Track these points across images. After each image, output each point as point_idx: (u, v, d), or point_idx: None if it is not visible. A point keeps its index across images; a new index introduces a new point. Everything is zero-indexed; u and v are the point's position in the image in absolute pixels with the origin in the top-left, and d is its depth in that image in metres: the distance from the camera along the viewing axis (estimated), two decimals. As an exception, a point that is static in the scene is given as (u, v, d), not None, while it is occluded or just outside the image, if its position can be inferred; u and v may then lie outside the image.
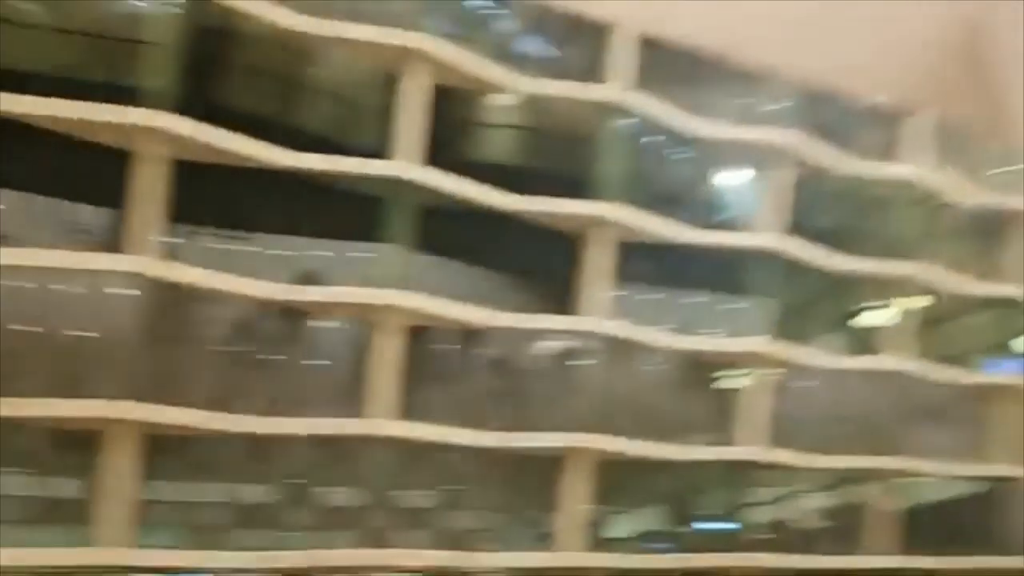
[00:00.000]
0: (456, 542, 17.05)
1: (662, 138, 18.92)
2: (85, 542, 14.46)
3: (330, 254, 16.56)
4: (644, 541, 19.00)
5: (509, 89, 17.31)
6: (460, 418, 16.25)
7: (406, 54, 15.81)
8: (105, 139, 14.16)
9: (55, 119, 13.90)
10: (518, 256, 17.46)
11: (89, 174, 14.88)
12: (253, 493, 16.72)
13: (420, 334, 16.19)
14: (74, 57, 15.28)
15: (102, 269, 14.43)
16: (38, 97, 13.74)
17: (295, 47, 16.02)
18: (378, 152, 16.02)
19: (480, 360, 17.28)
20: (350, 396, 16.03)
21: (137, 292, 14.38)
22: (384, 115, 16.33)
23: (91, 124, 13.92)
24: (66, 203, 15.40)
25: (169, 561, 15.02)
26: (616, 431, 16.80)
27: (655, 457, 17.74)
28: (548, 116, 18.01)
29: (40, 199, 15.31)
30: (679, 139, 19.05)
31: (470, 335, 17.07)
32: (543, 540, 17.66)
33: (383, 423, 15.45)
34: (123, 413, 14.11)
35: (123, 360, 14.35)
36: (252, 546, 15.76)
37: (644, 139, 18.58)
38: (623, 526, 18.95)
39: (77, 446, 15.10)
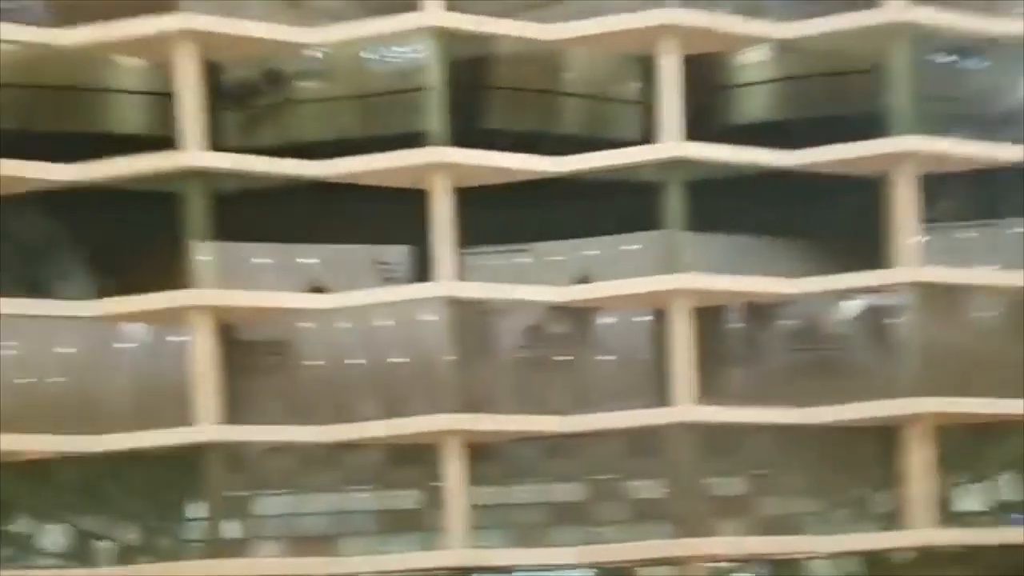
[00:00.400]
0: (779, 527, 16.83)
1: (952, 57, 17.48)
2: (430, 547, 16.05)
3: (603, 251, 17.27)
4: (1002, 513, 17.45)
5: (770, 39, 16.62)
6: (766, 396, 15.93)
7: (659, 33, 15.58)
8: (402, 182, 15.64)
9: (361, 174, 15.67)
10: (794, 220, 16.81)
11: (386, 217, 16.53)
12: (565, 491, 17.97)
13: (711, 315, 16.32)
14: (357, 118, 17.23)
15: (412, 299, 16.02)
16: (352, 158, 15.58)
17: (544, 56, 16.73)
18: (642, 139, 16.25)
19: (780, 334, 17.00)
20: (646, 387, 16.58)
21: (442, 315, 15.79)
22: (638, 101, 16.66)
23: (392, 172, 15.54)
24: (371, 247, 17.29)
25: (503, 560, 16.19)
26: (952, 391, 15.36)
27: (1006, 415, 15.82)
28: (812, 60, 17.19)
29: (349, 247, 17.35)
30: (973, 49, 17.43)
31: (761, 310, 16.79)
32: (879, 519, 16.85)
33: (689, 409, 15.50)
34: (453, 425, 15.44)
35: (441, 378, 15.77)
36: (571, 542, 16.54)
37: (933, 57, 17.13)
38: (975, 498, 17.58)
39: (410, 461, 16.81)
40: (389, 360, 16.59)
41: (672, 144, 15.63)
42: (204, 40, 15.27)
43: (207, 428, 15.12)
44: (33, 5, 16.32)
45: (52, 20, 15.83)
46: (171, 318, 15.54)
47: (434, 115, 15.58)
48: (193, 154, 15.20)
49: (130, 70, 17.16)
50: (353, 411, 16.06)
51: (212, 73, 16.03)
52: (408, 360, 16.47)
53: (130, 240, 16.48)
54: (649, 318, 17.00)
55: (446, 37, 15.57)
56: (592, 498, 17.87)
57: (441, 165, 15.47)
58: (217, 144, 15.72)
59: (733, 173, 15.83)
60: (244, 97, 17.14)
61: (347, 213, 16.81)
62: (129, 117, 17.30)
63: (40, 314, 15.42)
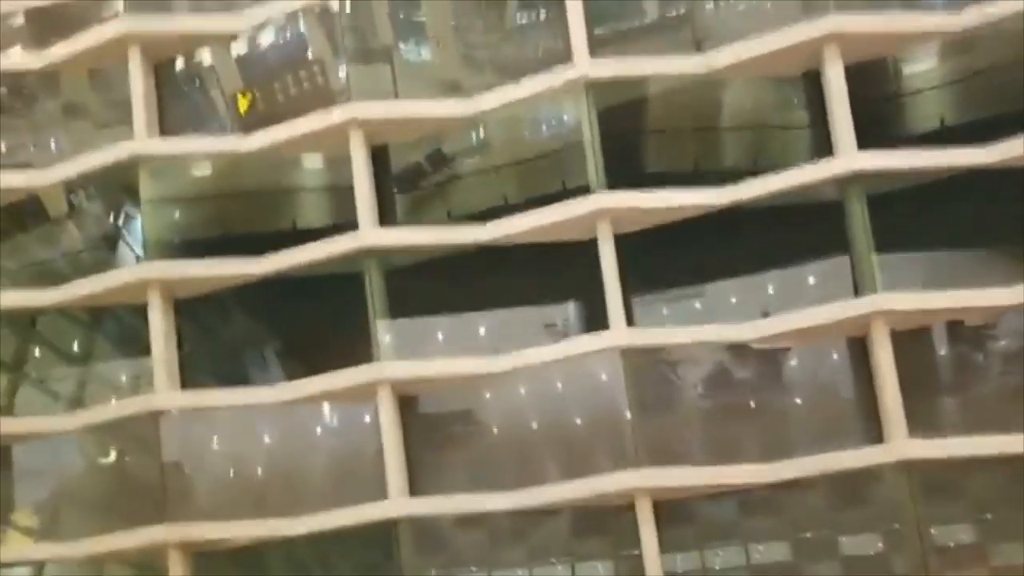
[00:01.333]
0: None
1: None
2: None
3: (782, 286, 15.98)
4: None
5: (939, 36, 15.47)
6: (982, 427, 14.15)
7: (822, 43, 14.80)
8: (567, 236, 15.36)
9: (526, 233, 15.73)
10: (987, 225, 15.21)
11: (554, 276, 16.28)
12: (768, 552, 16.42)
13: (910, 341, 14.92)
14: (517, 184, 17.27)
15: (589, 351, 15.47)
16: (516, 216, 15.70)
17: (696, 89, 16.22)
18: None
19: (991, 354, 15.26)
20: (845, 430, 15.24)
21: (619, 367, 15.18)
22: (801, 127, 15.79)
23: (556, 227, 15.48)
24: (540, 308, 16.99)
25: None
26: None
27: None
28: (988, 52, 15.68)
29: (518, 311, 17.10)
30: None
31: (965, 331, 15.19)
32: None
33: (904, 445, 13.93)
34: (642, 482, 14.69)
35: (625, 433, 15.06)
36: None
37: None
38: None
39: (600, 530, 15.96)
40: (570, 421, 16.05)
41: (848, 157, 14.66)
42: (371, 127, 15.98)
43: (397, 502, 14.99)
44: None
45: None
46: (357, 395, 15.68)
47: (592, 165, 15.44)
48: (367, 233, 15.59)
49: (311, 169, 18.06)
50: (538, 476, 15.56)
51: (379, 162, 16.62)
52: (590, 418, 15.91)
53: (317, 327, 16.89)
54: (833, 355, 15.69)
55: (598, 87, 15.44)
56: (799, 558, 16.28)
57: (603, 211, 15.26)
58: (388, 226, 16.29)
59: (915, 182, 14.68)
60: (411, 181, 17.55)
61: (515, 277, 16.72)
62: (312, 212, 18.05)
63: (236, 404, 15.91)
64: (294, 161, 17.54)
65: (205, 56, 17.19)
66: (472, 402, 16.42)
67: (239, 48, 16.93)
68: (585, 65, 15.45)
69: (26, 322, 16.95)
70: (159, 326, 15.84)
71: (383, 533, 15.08)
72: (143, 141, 16.46)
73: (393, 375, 15.46)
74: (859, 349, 14.92)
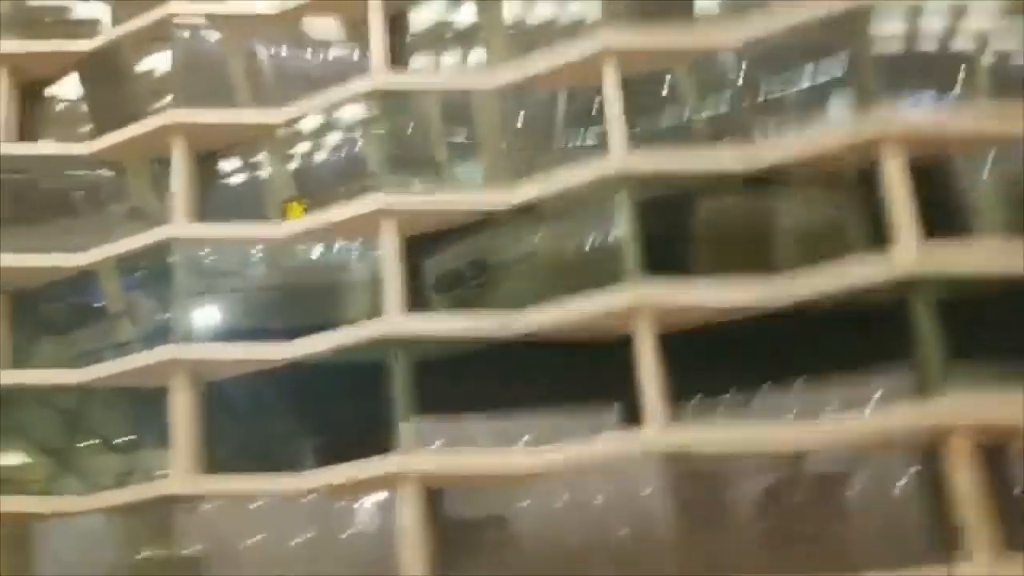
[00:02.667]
0: None
1: None
2: None
3: (841, 394, 14.34)
4: None
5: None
6: None
7: (879, 141, 13.98)
8: (605, 331, 14.72)
9: (563, 326, 15.11)
10: None
11: (592, 376, 15.54)
12: None
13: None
14: (558, 286, 16.42)
15: (630, 451, 14.39)
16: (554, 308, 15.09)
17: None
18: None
19: None
20: (914, 552, 13.79)
21: (662, 474, 14.26)
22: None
23: (594, 321, 14.80)
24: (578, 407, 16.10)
25: None
26: None
27: None
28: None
29: (556, 410, 16.27)
30: None
31: None
32: None
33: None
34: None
35: (668, 551, 14.02)
36: None
37: None
38: None
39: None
40: (610, 534, 14.96)
41: (909, 249, 13.57)
42: (401, 217, 15.91)
43: None
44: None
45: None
46: (381, 486, 14.97)
47: (630, 259, 14.94)
48: (395, 320, 15.30)
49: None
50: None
51: (413, 259, 16.41)
52: (631, 533, 14.82)
53: (357, 419, 16.31)
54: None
55: (635, 182, 15.15)
56: None
57: (643, 306, 14.59)
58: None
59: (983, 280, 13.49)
60: (450, 284, 17.29)
61: (553, 374, 16.01)
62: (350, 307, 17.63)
63: (256, 491, 15.32)
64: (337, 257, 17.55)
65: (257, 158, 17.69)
66: (506, 508, 15.36)
67: (294, 161, 17.37)
68: (621, 159, 15.21)
69: (73, 407, 16.89)
70: (181, 408, 15.57)
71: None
72: (181, 225, 16.64)
73: (416, 468, 14.74)
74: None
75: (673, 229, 15.96)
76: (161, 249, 16.65)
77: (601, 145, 15.76)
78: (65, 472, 16.65)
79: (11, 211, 17.81)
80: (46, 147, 18.61)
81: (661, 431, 14.21)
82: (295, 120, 17.25)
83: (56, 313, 17.47)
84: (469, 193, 16.33)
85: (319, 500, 15.23)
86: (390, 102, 16.79)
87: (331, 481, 15.00)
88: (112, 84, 18.73)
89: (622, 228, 15.29)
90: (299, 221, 16.41)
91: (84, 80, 19.04)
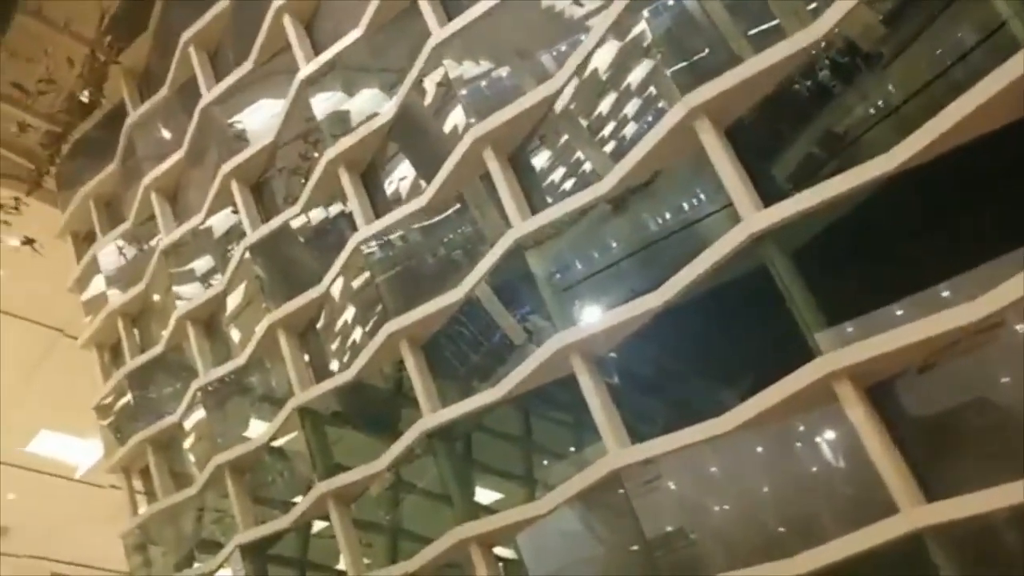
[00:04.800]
0: None
1: None
2: None
3: None
4: None
5: None
6: None
7: None
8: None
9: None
10: None
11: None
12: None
13: None
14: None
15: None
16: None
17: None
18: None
19: None
20: None
21: None
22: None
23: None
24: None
25: None
26: None
27: None
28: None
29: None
30: None
31: None
32: None
33: None
34: None
35: None
36: None
37: None
38: None
39: None
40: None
41: None
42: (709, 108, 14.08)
43: (914, 512, 12.12)
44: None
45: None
46: (812, 400, 13.34)
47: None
48: (756, 215, 13.66)
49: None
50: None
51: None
52: None
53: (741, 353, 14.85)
54: None
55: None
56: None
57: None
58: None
59: None
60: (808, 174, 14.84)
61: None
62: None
63: (689, 442, 14.61)
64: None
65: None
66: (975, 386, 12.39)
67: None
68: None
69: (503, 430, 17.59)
70: (591, 387, 15.44)
71: (904, 556, 12.41)
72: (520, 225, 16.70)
73: (851, 359, 12.74)
74: None
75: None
76: (513, 253, 16.65)
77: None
78: (532, 493, 17.25)
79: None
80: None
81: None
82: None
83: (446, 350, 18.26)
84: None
85: (760, 445, 14.06)
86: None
87: (761, 407, 13.73)
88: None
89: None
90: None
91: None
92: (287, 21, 21.46)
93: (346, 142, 19.68)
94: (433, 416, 17.62)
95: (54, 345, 33.51)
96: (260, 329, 21.32)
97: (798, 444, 14.00)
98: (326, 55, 20.59)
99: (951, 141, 12.07)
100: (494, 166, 17.07)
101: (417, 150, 19.23)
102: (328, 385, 20.07)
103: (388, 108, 19.25)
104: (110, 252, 27.27)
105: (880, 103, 13.18)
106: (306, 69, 20.84)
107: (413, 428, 17.88)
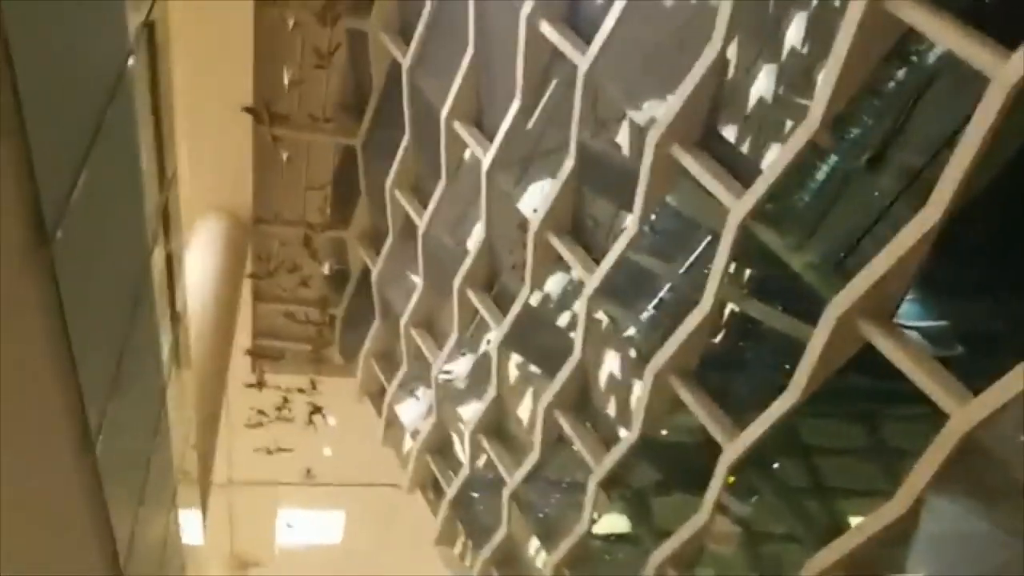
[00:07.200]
0: None
1: None
2: None
3: None
4: None
5: None
6: None
7: None
8: None
9: None
10: None
11: None
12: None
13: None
14: None
15: None
16: None
17: None
18: None
19: None
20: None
21: None
22: None
23: None
24: None
25: None
26: None
27: None
28: None
29: None
30: None
31: None
32: None
33: None
34: None
35: None
36: None
37: None
38: None
39: None
40: None
41: None
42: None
43: None
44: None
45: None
46: None
47: None
48: None
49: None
50: None
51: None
52: None
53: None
54: None
55: None
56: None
57: None
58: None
59: None
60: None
61: None
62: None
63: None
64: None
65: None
66: None
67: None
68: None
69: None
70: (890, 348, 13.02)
71: None
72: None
73: None
74: None
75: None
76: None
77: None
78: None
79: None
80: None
81: None
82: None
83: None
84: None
85: None
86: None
87: None
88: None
89: None
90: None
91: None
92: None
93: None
94: (732, 446, 15.88)
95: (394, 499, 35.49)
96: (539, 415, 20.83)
97: None
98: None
99: None
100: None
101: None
102: (616, 454, 18.98)
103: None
104: (399, 397, 28.47)
105: None
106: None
107: (719, 464, 16.21)
